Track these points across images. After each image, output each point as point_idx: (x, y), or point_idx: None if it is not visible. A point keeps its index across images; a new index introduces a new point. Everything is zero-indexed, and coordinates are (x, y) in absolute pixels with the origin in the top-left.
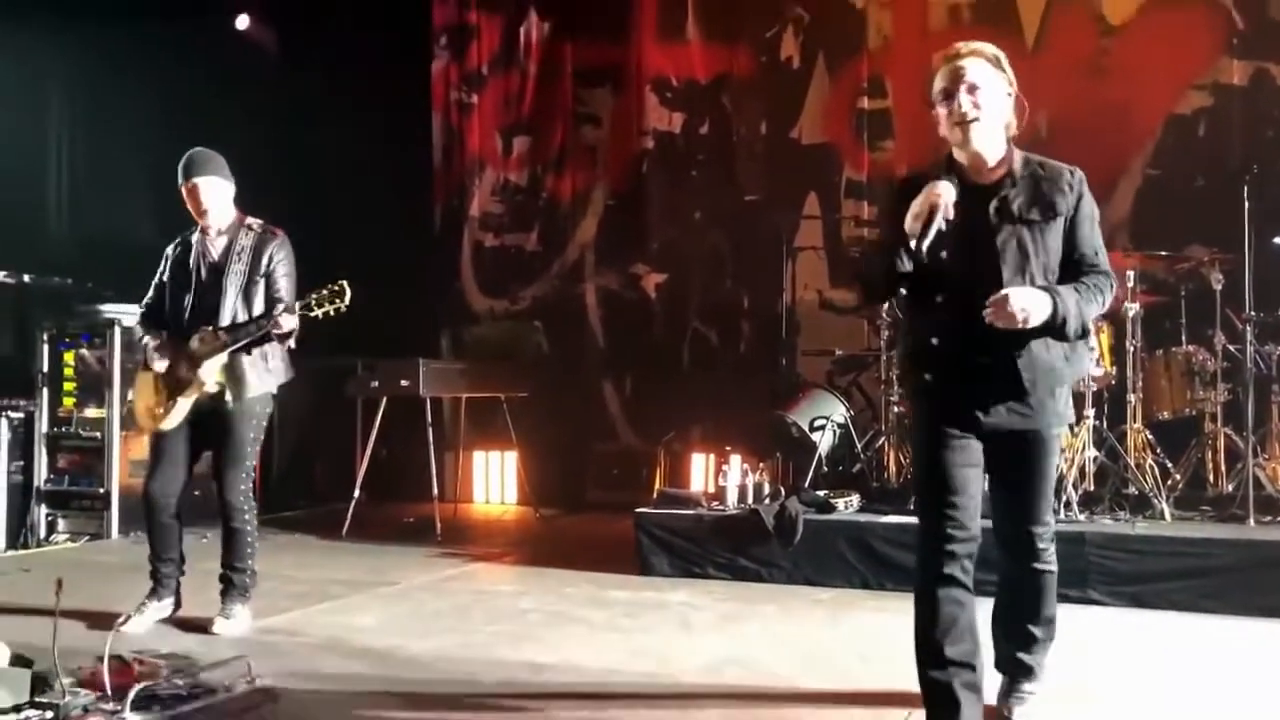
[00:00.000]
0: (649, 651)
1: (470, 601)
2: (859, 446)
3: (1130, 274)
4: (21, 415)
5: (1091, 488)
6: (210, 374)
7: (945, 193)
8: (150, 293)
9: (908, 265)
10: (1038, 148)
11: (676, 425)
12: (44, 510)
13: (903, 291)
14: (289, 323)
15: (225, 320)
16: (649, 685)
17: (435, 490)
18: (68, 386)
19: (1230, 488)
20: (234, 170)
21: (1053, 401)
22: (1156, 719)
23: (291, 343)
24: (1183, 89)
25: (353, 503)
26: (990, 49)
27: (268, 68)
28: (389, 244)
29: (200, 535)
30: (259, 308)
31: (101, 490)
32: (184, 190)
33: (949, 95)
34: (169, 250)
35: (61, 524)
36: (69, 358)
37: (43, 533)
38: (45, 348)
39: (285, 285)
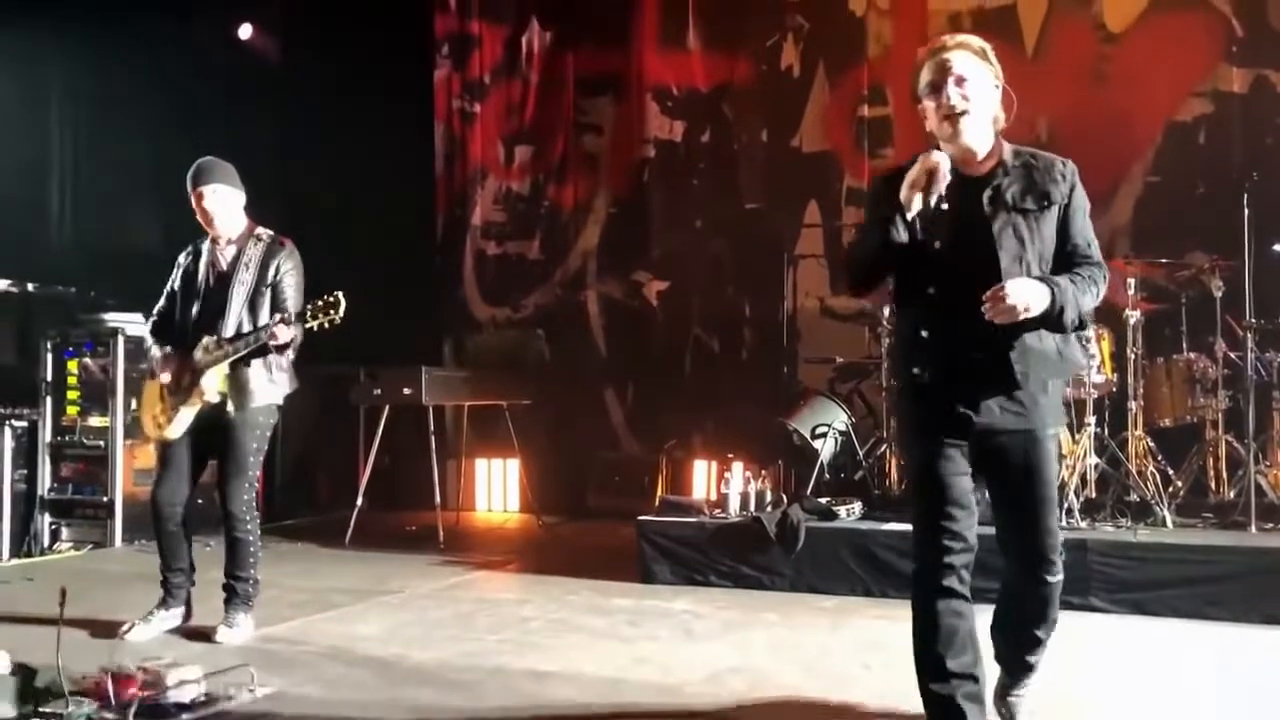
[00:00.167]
0: (652, 660)
1: (473, 610)
2: (861, 453)
3: (1131, 281)
4: (25, 424)
5: (1093, 495)
6: (211, 384)
7: (942, 161)
8: (161, 301)
9: (903, 235)
10: None
11: (678, 433)
12: (47, 519)
13: (890, 283)
14: (285, 334)
15: (229, 330)
16: (652, 694)
17: (438, 498)
18: (71, 395)
19: (1232, 495)
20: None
21: (1045, 398)
22: None
23: (291, 353)
24: (1183, 96)
25: (355, 511)
26: (976, 41)
27: (270, 77)
28: (391, 252)
29: (204, 543)
30: (265, 318)
31: (105, 499)
32: (192, 199)
33: (936, 88)
34: (180, 258)
35: (65, 533)
36: (73, 366)
37: (46, 541)
38: (49, 356)
39: (292, 296)
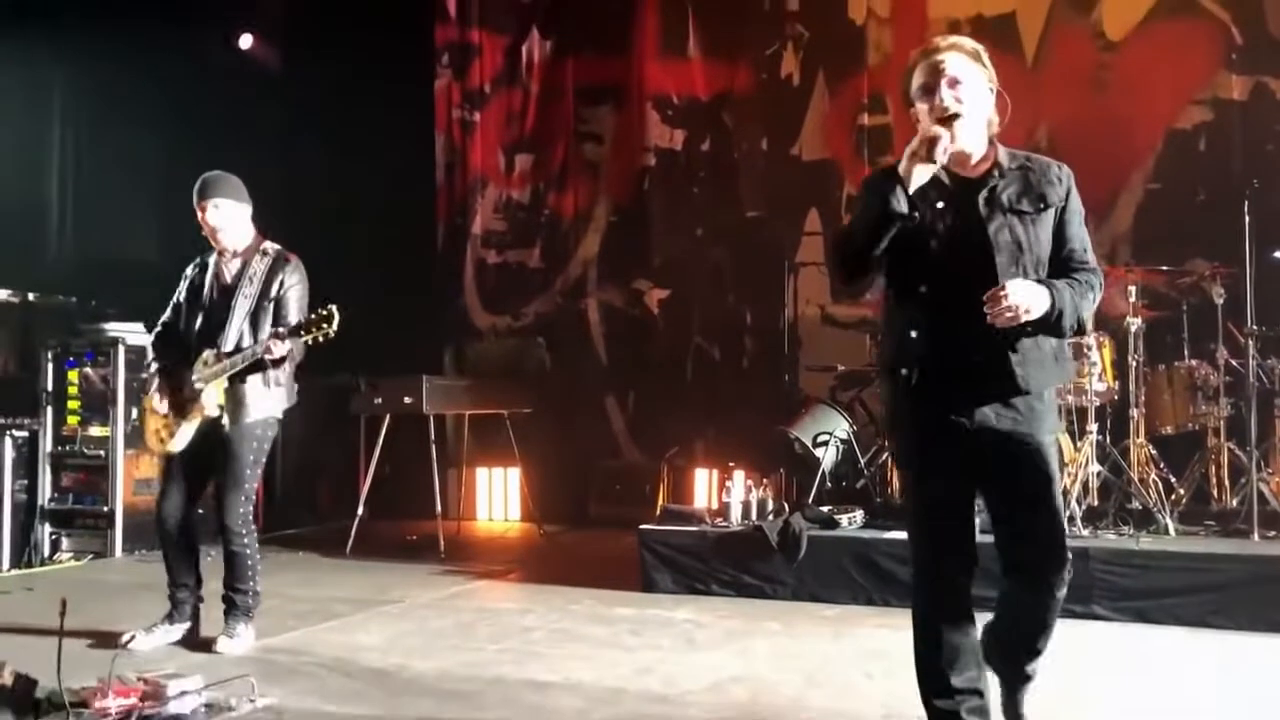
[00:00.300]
0: (654, 669)
1: (474, 619)
2: (862, 462)
3: (1132, 288)
4: (26, 434)
5: (1095, 503)
6: (211, 399)
7: (944, 135)
8: (167, 312)
9: (903, 205)
10: None
11: (679, 441)
12: (48, 529)
13: (881, 280)
14: (279, 349)
15: (230, 344)
16: (654, 703)
17: (439, 507)
18: (72, 405)
19: (1234, 502)
20: None
21: (1041, 405)
22: None
23: (289, 367)
24: (1182, 104)
25: (356, 520)
26: (970, 43)
27: (271, 87)
28: (392, 261)
29: (205, 553)
30: (266, 333)
31: (105, 509)
32: (197, 212)
33: (929, 91)
34: (188, 270)
35: (65, 543)
36: (73, 376)
37: (46, 551)
38: (50, 366)
39: (295, 310)
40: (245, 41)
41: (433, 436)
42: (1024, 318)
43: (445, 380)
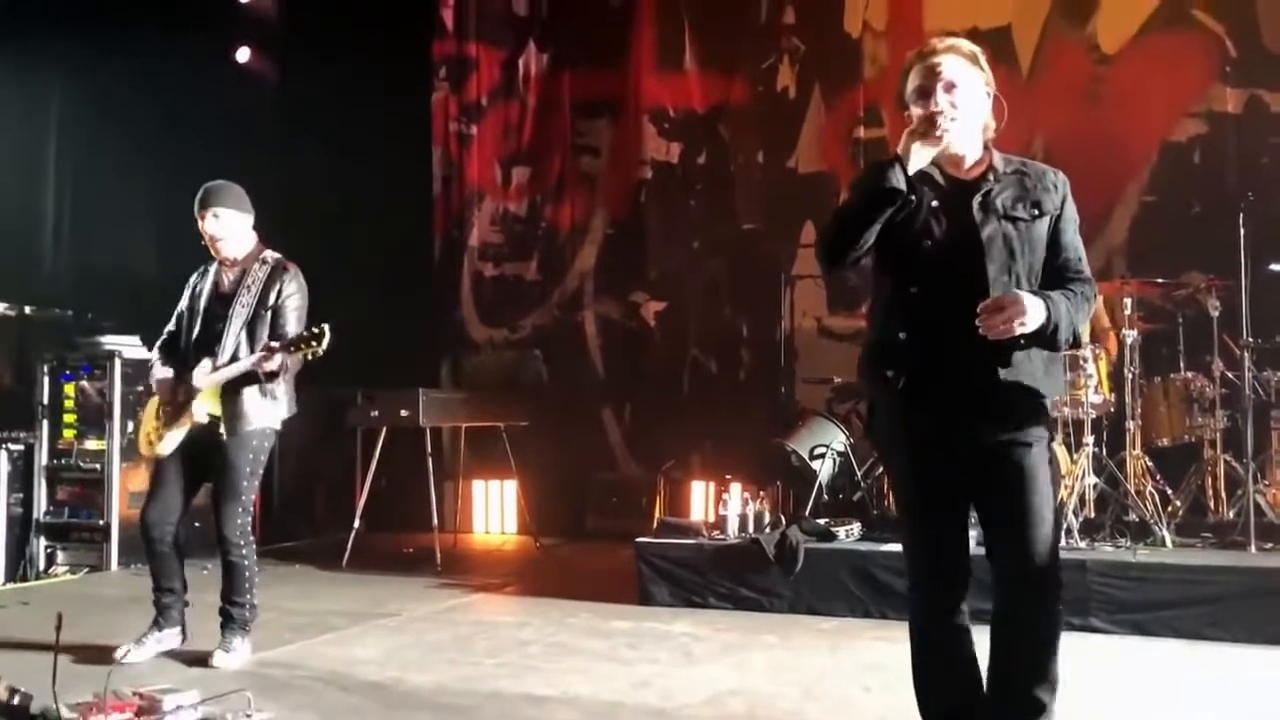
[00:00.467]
0: (651, 683)
1: (471, 632)
2: (859, 474)
3: (1127, 301)
4: (21, 447)
5: (1092, 515)
6: (201, 407)
7: (944, 110)
8: (172, 320)
9: (900, 182)
10: None
11: (676, 453)
12: (43, 542)
13: (867, 263)
14: (270, 364)
15: (226, 353)
16: (651, 717)
17: (435, 520)
18: (68, 418)
19: (1231, 514)
20: None
21: (1032, 416)
22: None
23: (284, 378)
24: (1177, 116)
25: (353, 533)
26: (967, 45)
27: (268, 99)
28: (389, 274)
29: (201, 567)
30: (263, 341)
31: (101, 522)
32: (198, 221)
33: (925, 94)
34: (192, 278)
35: (61, 556)
36: (69, 389)
37: (42, 565)
38: (45, 379)
39: (293, 320)
40: (243, 55)
41: (429, 449)
42: (1018, 330)
43: (442, 393)
